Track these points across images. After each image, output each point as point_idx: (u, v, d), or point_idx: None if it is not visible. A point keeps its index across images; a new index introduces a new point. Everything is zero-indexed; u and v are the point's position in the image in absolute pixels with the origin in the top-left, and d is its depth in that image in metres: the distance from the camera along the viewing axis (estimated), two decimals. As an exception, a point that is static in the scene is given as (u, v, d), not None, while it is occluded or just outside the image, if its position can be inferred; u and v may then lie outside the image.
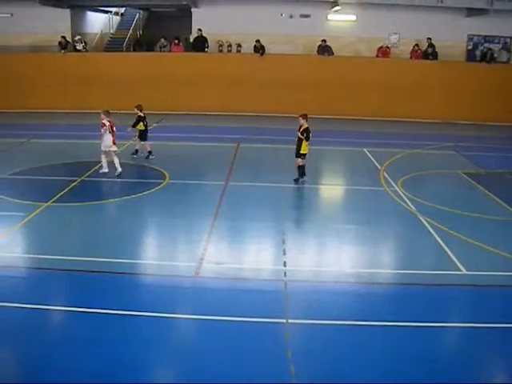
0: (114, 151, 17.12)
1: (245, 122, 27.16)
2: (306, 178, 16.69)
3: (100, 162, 17.22)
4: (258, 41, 29.76)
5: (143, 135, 19.42)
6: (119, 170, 16.95)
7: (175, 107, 29.28)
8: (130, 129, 18.99)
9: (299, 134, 16.42)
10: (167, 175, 17.07)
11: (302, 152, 16.47)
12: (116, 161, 17.04)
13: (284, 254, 11.51)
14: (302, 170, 16.70)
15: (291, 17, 30.82)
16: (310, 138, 16.41)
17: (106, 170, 17.21)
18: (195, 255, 11.34)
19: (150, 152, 19.41)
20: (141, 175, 17.87)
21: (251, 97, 29.19)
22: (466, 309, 9.89)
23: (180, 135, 23.87)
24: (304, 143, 16.39)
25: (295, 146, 16.63)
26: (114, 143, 17.00)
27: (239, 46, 31.02)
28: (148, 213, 14.27)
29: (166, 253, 11.95)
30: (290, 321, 8.84)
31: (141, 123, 19.17)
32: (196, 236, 12.48)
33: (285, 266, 10.94)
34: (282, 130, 23.64)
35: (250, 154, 20.86)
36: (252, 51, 30.11)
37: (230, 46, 31.15)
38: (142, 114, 19.23)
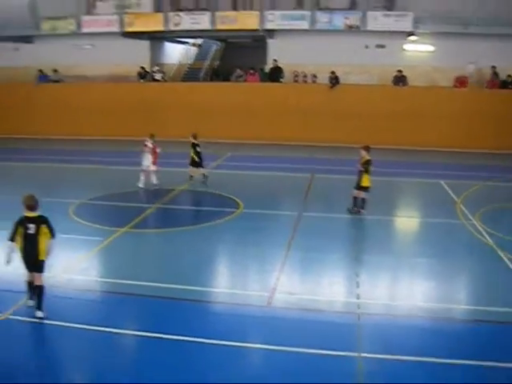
0: (153, 170, 19.29)
1: (319, 153, 27.17)
2: (363, 211, 16.30)
3: (173, 189, 17.59)
4: (332, 72, 29.83)
5: (195, 162, 20.01)
6: (154, 183, 19.32)
7: (249, 136, 29.60)
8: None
9: (359, 166, 16.22)
10: (241, 204, 17.22)
11: (362, 185, 16.16)
12: (153, 178, 19.27)
13: (357, 286, 11.36)
14: (361, 203, 16.35)
15: (367, 47, 30.77)
16: (371, 171, 16.14)
17: (141, 185, 19.27)
18: (268, 285, 11.34)
19: (192, 177, 20.46)
20: (215, 203, 18.07)
21: (325, 127, 29.20)
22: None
23: (254, 165, 24.08)
24: (365, 176, 16.11)
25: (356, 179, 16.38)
26: (154, 163, 19.27)
27: (314, 76, 31.19)
28: (221, 241, 14.40)
29: (238, 281, 12.01)
30: (362, 354, 8.69)
31: (192, 150, 19.93)
32: (269, 266, 12.48)
33: (358, 298, 10.79)
34: (356, 161, 23.45)
35: (324, 184, 20.80)
36: (327, 81, 30.20)
37: (305, 76, 31.36)
38: (194, 141, 19.97)
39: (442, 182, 21.05)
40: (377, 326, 9.89)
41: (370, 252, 13.68)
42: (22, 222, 9.57)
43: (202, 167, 20.26)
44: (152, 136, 19.53)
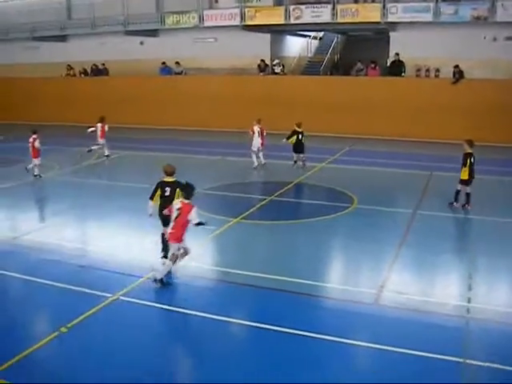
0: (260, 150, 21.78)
1: (440, 150, 26.34)
2: (468, 207, 16.22)
3: (289, 182, 17.78)
4: (456, 66, 28.84)
5: (297, 147, 21.58)
6: (255, 164, 21.65)
7: (368, 131, 29.26)
8: (284, 140, 21.59)
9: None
10: (355, 199, 17.11)
11: (461, 178, 16.28)
12: (260, 156, 21.78)
13: (469, 289, 11.01)
14: (462, 197, 16.38)
15: (495, 39, 29.48)
16: (469, 164, 16.04)
17: (255, 164, 21.62)
18: (377, 282, 11.23)
19: (295, 162, 21.85)
20: (329, 198, 18.03)
21: (447, 123, 28.26)
22: None
23: (371, 160, 23.79)
24: (463, 169, 16.14)
25: None
26: (262, 145, 21.67)
27: (437, 70, 30.27)
28: (333, 235, 14.40)
29: (347, 277, 12.02)
30: (467, 361, 8.42)
31: (294, 136, 21.42)
32: (379, 263, 12.38)
33: (469, 302, 10.44)
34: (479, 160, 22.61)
35: (443, 183, 20.16)
36: (451, 76, 29.24)
37: (427, 70, 30.52)
38: (298, 129, 21.42)
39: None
40: (486, 332, 9.53)
41: (486, 253, 13.13)
42: (161, 185, 11.67)
43: (302, 153, 21.68)
44: (259, 121, 21.94)
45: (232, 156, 23.81)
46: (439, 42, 29.13)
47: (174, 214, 10.88)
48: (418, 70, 30.53)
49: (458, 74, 28.87)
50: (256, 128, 21.57)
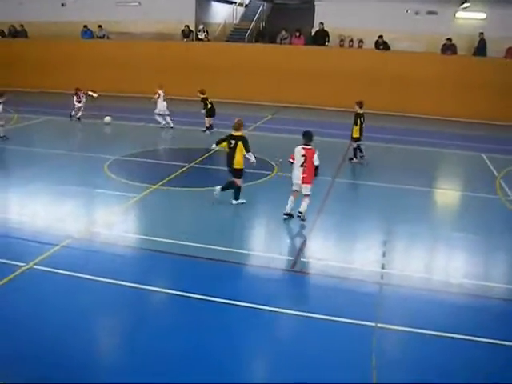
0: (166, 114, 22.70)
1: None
2: (355, 160, 18.45)
3: (210, 149, 17.58)
4: (380, 36, 29.18)
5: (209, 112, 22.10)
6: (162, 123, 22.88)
7: (290, 100, 29.30)
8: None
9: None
10: (276, 167, 17.11)
11: (352, 136, 18.27)
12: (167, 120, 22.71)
13: (383, 256, 11.21)
14: (355, 152, 18.40)
15: (417, 13, 29.95)
16: (358, 124, 18.12)
17: (162, 124, 22.82)
18: (294, 249, 11.29)
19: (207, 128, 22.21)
20: (250, 165, 17.83)
21: (370, 93, 28.50)
22: None
23: (293, 128, 23.67)
24: (354, 128, 18.15)
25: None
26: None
27: (361, 41, 30.56)
28: (253, 203, 14.30)
29: (264, 244, 12.04)
30: (379, 325, 8.57)
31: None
32: (298, 230, 12.42)
33: (383, 268, 10.64)
34: (404, 130, 23.13)
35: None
36: (373, 47, 29.57)
37: (351, 40, 30.76)
38: (205, 96, 22.00)
39: (483, 156, 20.55)
40: (398, 297, 9.73)
41: (403, 222, 13.39)
42: (229, 137, 13.50)
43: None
44: (161, 86, 22.75)
45: (154, 123, 23.32)
46: (363, 13, 29.49)
47: (300, 161, 12.45)
48: (342, 41, 30.75)
49: (383, 45, 29.22)
50: (161, 92, 22.48)
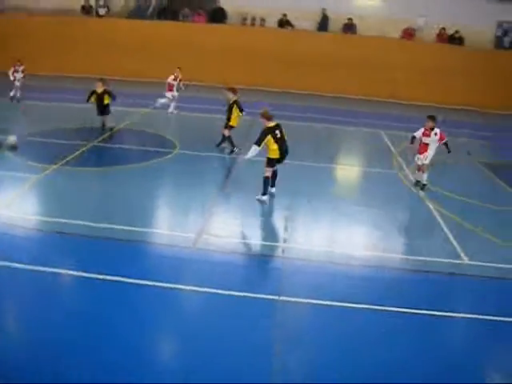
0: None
1: (264, 96, 26.82)
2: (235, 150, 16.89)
3: (112, 128, 17.27)
4: (284, 15, 29.46)
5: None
6: None
7: (193, 77, 28.95)
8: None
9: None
10: (177, 145, 16.98)
11: (230, 124, 16.90)
12: None
13: (286, 230, 11.38)
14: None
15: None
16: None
17: None
18: (196, 227, 11.26)
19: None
20: (152, 143, 17.60)
21: (271, 71, 28.80)
22: (462, 299, 9.72)
23: (195, 106, 23.65)
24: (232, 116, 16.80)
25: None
26: None
27: (263, 20, 30.67)
28: (154, 181, 14.13)
29: (166, 222, 11.98)
30: (282, 298, 8.72)
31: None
32: (200, 207, 12.40)
33: (284, 242, 10.82)
34: (305, 108, 23.42)
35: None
36: (276, 26, 29.78)
37: (253, 19, 30.81)
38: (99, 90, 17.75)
39: (383, 133, 21.19)
40: (300, 271, 9.92)
41: (304, 197, 13.63)
42: (271, 131, 12.61)
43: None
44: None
45: (50, 101, 22.54)
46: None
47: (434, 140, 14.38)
48: (244, 19, 30.74)
49: (286, 23, 29.47)
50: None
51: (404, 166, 16.67)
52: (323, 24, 30.29)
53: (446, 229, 12.14)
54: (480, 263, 10.62)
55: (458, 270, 10.34)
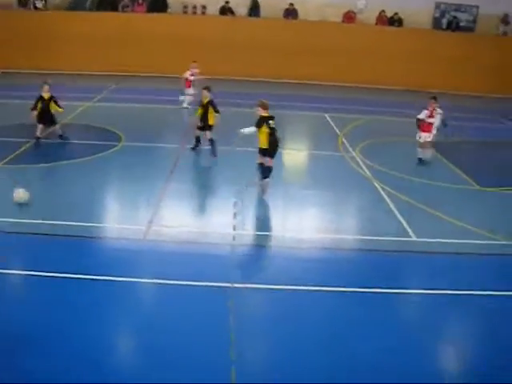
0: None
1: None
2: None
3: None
4: (227, 2, 29.37)
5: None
6: None
7: (133, 68, 28.67)
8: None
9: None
10: (123, 137, 16.78)
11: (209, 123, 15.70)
12: None
13: (234, 217, 11.38)
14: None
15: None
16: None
17: None
18: (145, 218, 11.16)
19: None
20: (96, 137, 17.30)
21: (216, 59, 28.62)
22: (410, 275, 9.94)
23: (137, 97, 23.36)
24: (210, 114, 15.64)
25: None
26: None
27: (204, 7, 30.48)
28: (100, 175, 13.94)
29: (115, 216, 11.86)
30: (235, 285, 8.74)
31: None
32: (148, 199, 12.29)
33: (234, 229, 10.82)
34: (250, 94, 23.39)
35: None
36: (217, 14, 29.70)
37: (194, 7, 30.59)
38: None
39: (327, 116, 21.36)
40: (250, 257, 9.97)
41: (253, 184, 13.61)
42: (265, 120, 12.65)
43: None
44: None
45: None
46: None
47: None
48: (185, 7, 30.51)
49: (228, 10, 29.40)
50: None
51: (349, 148, 16.84)
52: (255, 10, 30.32)
53: (393, 207, 12.36)
54: (427, 239, 10.86)
55: (408, 248, 10.57)
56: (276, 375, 6.78)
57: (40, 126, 15.96)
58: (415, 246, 10.69)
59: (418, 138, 15.85)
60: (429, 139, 15.76)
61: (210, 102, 15.72)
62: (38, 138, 15.98)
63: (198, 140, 15.94)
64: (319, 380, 6.74)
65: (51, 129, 16.29)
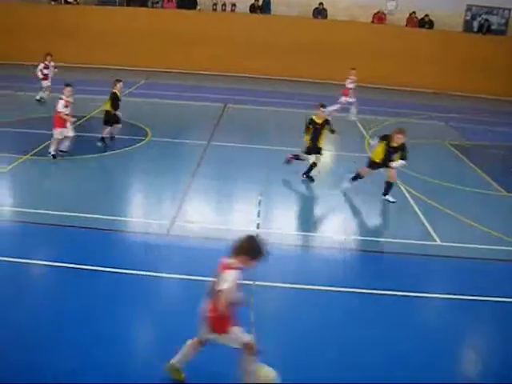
0: None
1: (235, 83, 26.85)
2: None
3: (83, 116, 17.03)
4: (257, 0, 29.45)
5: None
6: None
7: (166, 65, 28.87)
8: None
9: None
10: (149, 132, 16.89)
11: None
12: None
13: (258, 215, 11.41)
14: None
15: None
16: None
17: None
18: (169, 213, 11.23)
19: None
20: (124, 131, 17.37)
21: (243, 57, 28.74)
22: (435, 279, 9.86)
23: (167, 93, 23.57)
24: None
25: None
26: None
27: (233, 5, 30.52)
28: (127, 169, 14.16)
29: (140, 210, 11.97)
30: (257, 282, 8.73)
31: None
32: (174, 194, 12.39)
33: (258, 227, 10.83)
34: (272, 92, 23.44)
35: (236, 114, 20.67)
36: (247, 11, 29.74)
37: (224, 4, 30.65)
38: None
39: (353, 118, 21.28)
40: (273, 255, 9.92)
41: (277, 182, 13.65)
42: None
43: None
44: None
45: (24, 90, 22.18)
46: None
47: None
48: (215, 4, 30.57)
49: (259, 9, 29.52)
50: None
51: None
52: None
53: (418, 211, 12.29)
54: (452, 244, 10.78)
55: (432, 252, 10.52)
56: (290, 375, 6.74)
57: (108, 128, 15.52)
58: (438, 250, 10.61)
59: None
60: None
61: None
62: (105, 138, 15.56)
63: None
64: (329, 380, 6.76)
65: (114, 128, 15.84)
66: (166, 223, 10.75)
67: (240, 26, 29.16)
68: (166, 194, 12.51)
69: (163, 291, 8.78)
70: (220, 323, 6.19)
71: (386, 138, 12.54)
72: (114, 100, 15.33)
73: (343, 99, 20.41)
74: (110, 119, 15.36)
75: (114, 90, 15.38)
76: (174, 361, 6.55)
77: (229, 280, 6.02)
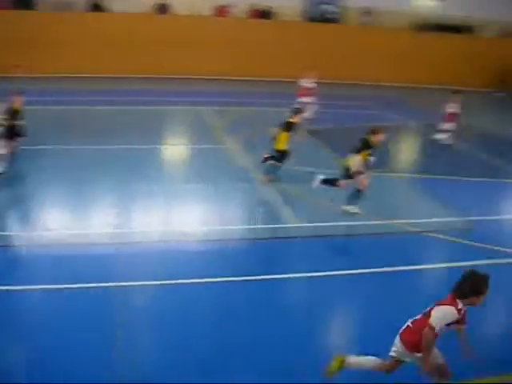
0: None
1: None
2: None
3: None
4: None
5: None
6: None
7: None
8: None
9: None
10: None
11: None
12: None
13: (117, 216, 11.22)
14: None
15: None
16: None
17: None
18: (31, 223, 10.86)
19: None
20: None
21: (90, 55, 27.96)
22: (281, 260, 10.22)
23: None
24: None
25: None
26: None
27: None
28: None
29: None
30: (119, 284, 8.60)
31: None
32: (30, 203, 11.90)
33: (116, 228, 10.66)
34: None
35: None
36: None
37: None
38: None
39: (205, 109, 21.50)
40: (131, 254, 9.78)
41: (134, 181, 13.34)
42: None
43: None
44: None
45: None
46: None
47: None
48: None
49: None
50: None
51: (227, 140, 17.06)
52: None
53: (271, 196, 12.67)
54: (307, 224, 11.25)
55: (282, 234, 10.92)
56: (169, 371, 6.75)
57: None
58: (289, 231, 11.05)
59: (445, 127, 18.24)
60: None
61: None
62: None
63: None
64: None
65: None
66: (11, 234, 10.34)
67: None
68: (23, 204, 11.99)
69: (23, 302, 8.24)
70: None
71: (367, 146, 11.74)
72: None
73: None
74: None
75: None
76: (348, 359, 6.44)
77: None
